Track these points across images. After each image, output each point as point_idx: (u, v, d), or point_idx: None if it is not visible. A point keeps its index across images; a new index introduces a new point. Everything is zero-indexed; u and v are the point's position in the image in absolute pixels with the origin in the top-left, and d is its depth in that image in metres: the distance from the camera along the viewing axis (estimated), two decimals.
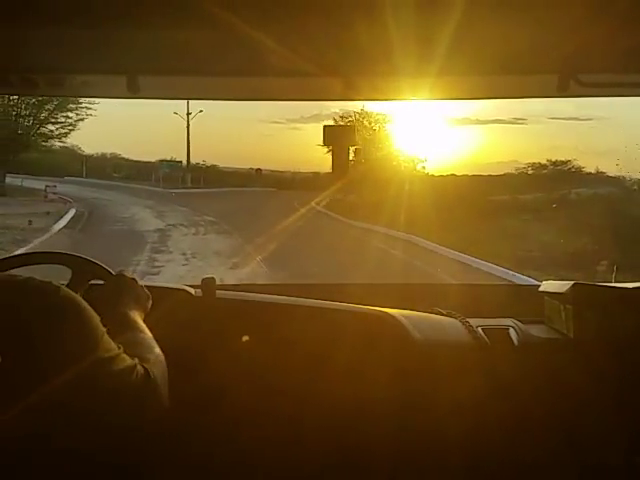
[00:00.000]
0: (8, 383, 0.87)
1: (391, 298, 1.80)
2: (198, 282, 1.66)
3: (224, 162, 24.37)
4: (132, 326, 1.17)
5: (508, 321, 1.73)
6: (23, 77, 1.36)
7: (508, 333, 1.67)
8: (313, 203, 16.20)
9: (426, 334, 1.62)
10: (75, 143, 23.05)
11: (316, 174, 20.61)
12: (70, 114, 17.20)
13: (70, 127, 17.66)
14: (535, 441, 1.56)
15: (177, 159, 22.44)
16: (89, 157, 24.09)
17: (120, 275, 1.37)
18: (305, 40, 1.16)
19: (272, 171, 23.63)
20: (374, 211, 11.87)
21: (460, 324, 1.70)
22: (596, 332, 1.58)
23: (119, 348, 0.98)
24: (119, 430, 0.99)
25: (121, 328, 1.12)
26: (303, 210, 14.68)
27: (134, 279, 1.36)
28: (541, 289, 1.80)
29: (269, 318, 1.63)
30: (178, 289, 1.68)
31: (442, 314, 1.77)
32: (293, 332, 1.58)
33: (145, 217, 14.75)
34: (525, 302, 1.85)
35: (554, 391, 1.55)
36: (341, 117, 15.95)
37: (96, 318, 0.97)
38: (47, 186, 16.71)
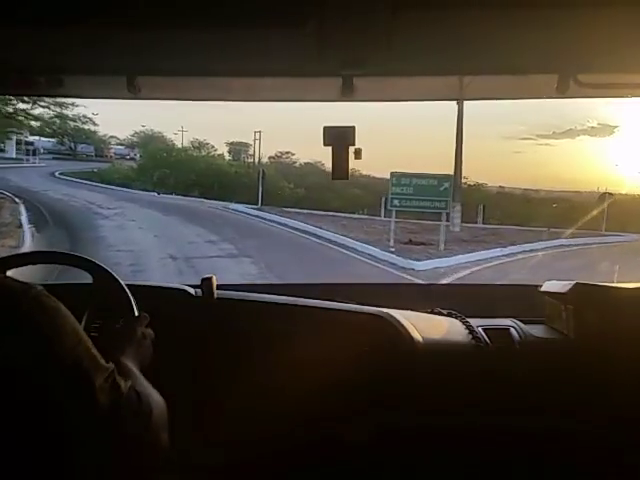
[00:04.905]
0: None
1: (391, 298, 1.80)
2: None
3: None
4: (131, 372, 1.06)
5: (508, 321, 1.73)
6: (23, 77, 1.36)
7: (509, 333, 1.67)
8: None
9: (426, 334, 1.62)
10: (318, 159, 18.21)
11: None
12: None
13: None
14: (534, 440, 1.55)
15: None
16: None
17: (135, 324, 1.25)
18: (305, 40, 1.16)
19: (548, 191, 16.31)
20: None
21: (460, 324, 1.70)
22: (596, 332, 1.58)
23: (107, 363, 0.90)
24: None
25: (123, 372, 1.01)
26: None
27: (145, 334, 1.23)
28: (542, 289, 1.80)
29: (269, 318, 1.63)
30: (178, 289, 1.68)
31: (442, 314, 1.77)
32: (293, 332, 1.58)
33: None
34: (525, 302, 1.85)
35: (554, 391, 1.55)
36: None
37: (74, 324, 0.90)
38: None
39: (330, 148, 1.40)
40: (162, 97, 1.80)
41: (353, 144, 1.41)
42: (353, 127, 1.41)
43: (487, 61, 1.31)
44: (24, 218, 12.20)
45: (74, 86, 1.49)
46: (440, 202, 10.55)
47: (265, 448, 1.51)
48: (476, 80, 1.48)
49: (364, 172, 18.51)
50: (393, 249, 10.03)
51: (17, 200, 14.69)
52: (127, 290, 1.42)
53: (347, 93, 1.39)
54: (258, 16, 1.03)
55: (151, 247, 10.16)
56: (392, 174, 10.81)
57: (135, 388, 0.95)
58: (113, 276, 1.46)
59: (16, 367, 0.83)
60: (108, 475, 0.91)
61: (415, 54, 1.25)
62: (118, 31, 1.11)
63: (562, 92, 1.35)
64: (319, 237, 11.87)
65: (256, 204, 15.81)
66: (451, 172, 12.76)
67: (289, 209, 15.54)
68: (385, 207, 11.37)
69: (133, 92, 1.38)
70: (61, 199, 16.47)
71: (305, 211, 15.14)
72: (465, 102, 13.19)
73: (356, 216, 14.31)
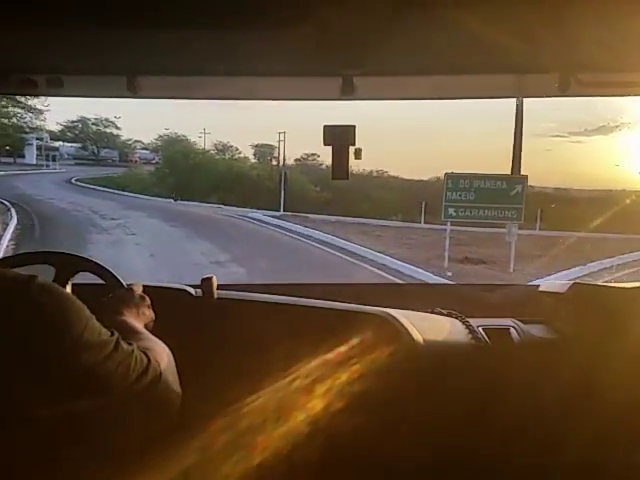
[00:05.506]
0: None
1: (391, 298, 1.80)
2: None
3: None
4: (134, 329, 1.15)
5: (508, 321, 1.73)
6: (23, 77, 1.36)
7: (508, 333, 1.67)
8: None
9: (426, 334, 1.62)
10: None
11: None
12: None
13: None
14: (535, 440, 1.55)
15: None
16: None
17: (128, 289, 1.36)
18: (305, 40, 1.16)
19: (578, 190, 14.64)
20: None
21: (460, 324, 1.70)
22: (596, 332, 1.58)
23: (112, 335, 0.94)
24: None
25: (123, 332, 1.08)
26: None
27: (143, 296, 1.34)
28: (541, 289, 1.80)
29: (269, 318, 1.63)
30: (178, 289, 1.68)
31: (442, 314, 1.77)
32: (294, 332, 1.58)
33: None
34: (525, 302, 1.85)
35: (554, 391, 1.55)
36: None
37: (80, 306, 0.93)
38: None
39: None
40: (162, 97, 1.80)
41: (353, 143, 1.40)
42: (353, 126, 1.40)
43: (487, 60, 1.32)
44: (8, 233, 11.13)
45: (74, 86, 1.49)
46: (511, 211, 8.14)
47: (264, 446, 1.51)
48: (476, 80, 1.48)
49: (392, 173, 17.26)
50: (450, 273, 7.66)
51: (11, 211, 13.91)
52: (109, 269, 1.50)
53: (347, 92, 1.39)
54: (258, 16, 1.03)
55: (141, 272, 8.27)
56: (447, 175, 8.17)
57: (141, 348, 0.99)
58: (92, 260, 1.53)
59: (31, 350, 0.85)
60: (127, 440, 0.95)
61: (415, 54, 1.25)
62: (118, 31, 1.11)
63: (563, 91, 1.35)
64: (351, 253, 9.87)
65: (278, 210, 14.50)
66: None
67: (315, 216, 13.90)
68: (425, 213, 9.42)
69: (133, 92, 1.38)
70: (64, 209, 15.58)
71: (333, 218, 13.52)
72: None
73: (391, 223, 12.76)
